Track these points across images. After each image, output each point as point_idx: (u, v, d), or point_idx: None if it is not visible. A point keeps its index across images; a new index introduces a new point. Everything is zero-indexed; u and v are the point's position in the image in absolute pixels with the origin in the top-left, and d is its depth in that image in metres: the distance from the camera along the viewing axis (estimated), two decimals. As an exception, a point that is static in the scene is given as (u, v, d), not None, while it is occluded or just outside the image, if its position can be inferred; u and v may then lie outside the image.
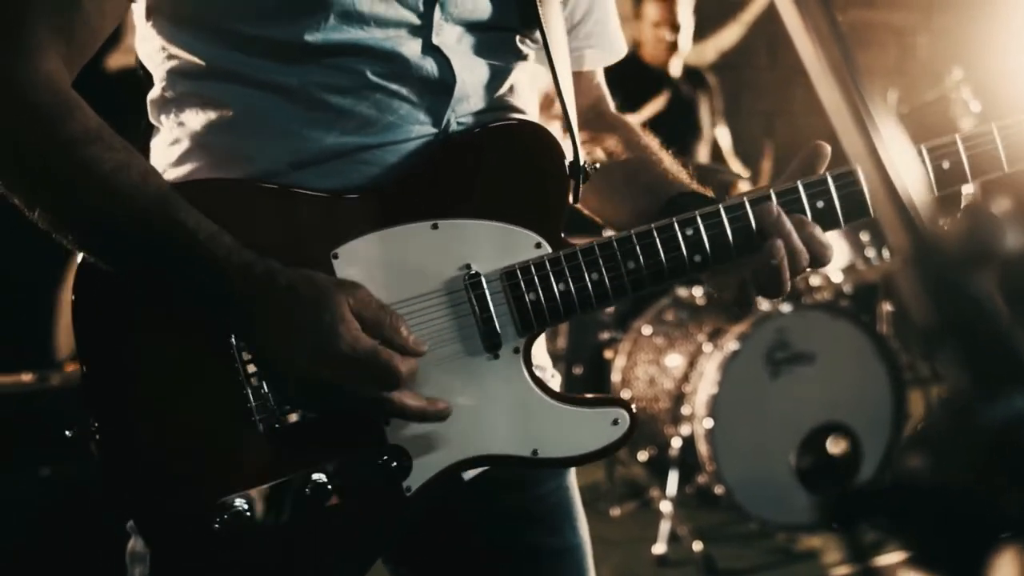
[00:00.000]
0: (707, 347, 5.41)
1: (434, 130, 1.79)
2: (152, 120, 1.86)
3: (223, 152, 1.76)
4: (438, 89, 1.77)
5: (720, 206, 1.75)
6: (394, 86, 1.73)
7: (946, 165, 1.76)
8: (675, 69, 6.76)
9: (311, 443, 1.69)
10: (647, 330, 5.84)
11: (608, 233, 1.81)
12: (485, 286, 1.72)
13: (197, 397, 1.69)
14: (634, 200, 1.92)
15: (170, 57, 1.76)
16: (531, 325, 1.75)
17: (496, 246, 1.74)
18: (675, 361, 5.60)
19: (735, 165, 7.00)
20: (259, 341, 1.63)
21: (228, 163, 1.75)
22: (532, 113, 1.93)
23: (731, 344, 5.24)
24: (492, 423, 1.75)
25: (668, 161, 1.99)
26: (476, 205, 1.75)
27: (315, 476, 1.68)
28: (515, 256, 1.74)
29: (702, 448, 5.23)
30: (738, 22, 8.38)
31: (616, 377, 5.84)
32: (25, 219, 1.62)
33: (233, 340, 1.67)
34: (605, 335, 6.12)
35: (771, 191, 1.75)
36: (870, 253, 5.76)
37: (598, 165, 1.84)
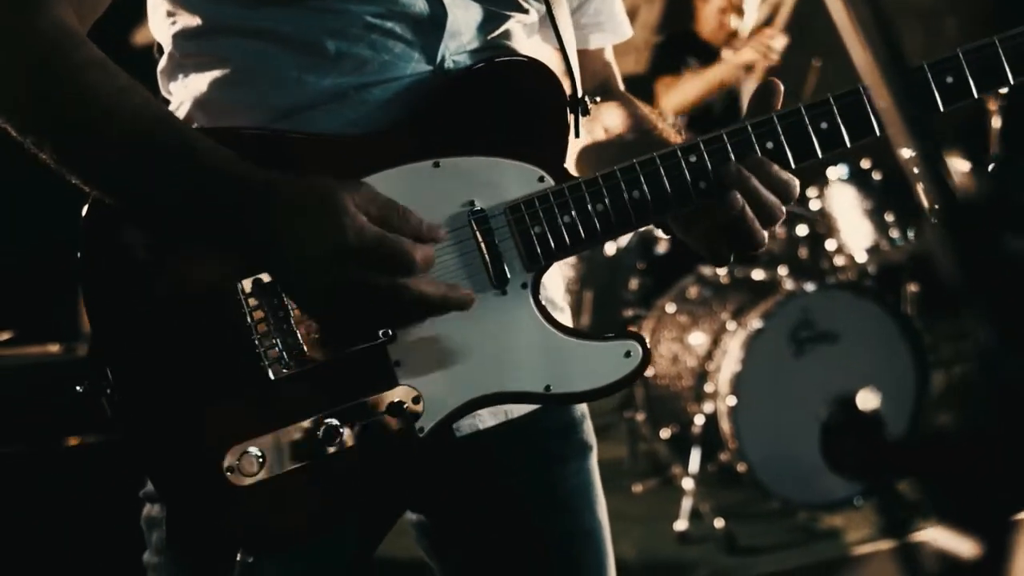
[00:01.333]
0: (731, 325, 5.39)
1: (429, 67, 1.76)
2: (163, 93, 1.89)
3: (223, 104, 1.78)
4: (430, 26, 1.78)
5: (724, 132, 1.75)
6: (388, 24, 1.75)
7: (950, 79, 1.75)
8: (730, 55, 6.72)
9: (321, 388, 1.68)
10: (671, 308, 5.83)
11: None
12: (490, 221, 1.71)
13: (205, 345, 1.69)
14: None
15: (174, 21, 1.80)
16: (538, 259, 1.75)
17: (499, 182, 1.74)
18: (699, 339, 5.59)
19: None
20: (265, 250, 1.61)
21: (228, 115, 1.77)
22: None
23: (755, 322, 5.22)
24: (503, 359, 1.73)
25: (671, 139, 1.96)
26: (477, 141, 1.75)
27: (327, 421, 1.66)
28: (519, 191, 1.73)
29: (725, 426, 5.22)
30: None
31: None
32: (51, 192, 1.63)
33: (240, 286, 1.67)
34: (629, 312, 6.12)
35: (769, 117, 1.76)
36: (895, 234, 5.73)
37: (598, 99, 1.84)
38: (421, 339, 1.72)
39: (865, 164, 5.84)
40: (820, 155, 1.77)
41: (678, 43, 6.73)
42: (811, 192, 5.94)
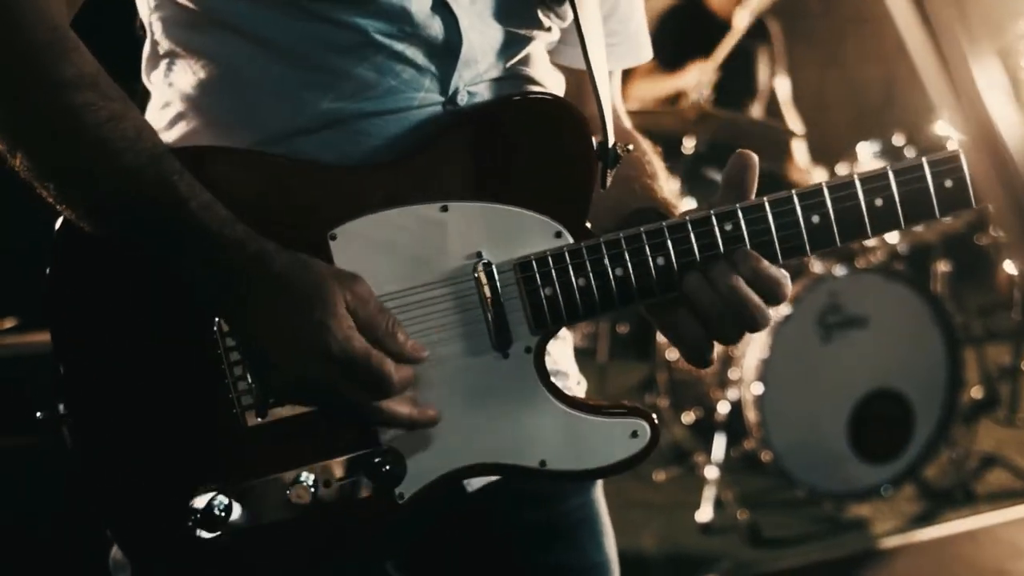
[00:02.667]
0: (756, 309, 5.20)
1: (440, 98, 1.62)
2: (144, 82, 1.72)
3: (214, 115, 1.61)
4: (443, 51, 1.60)
5: (742, 205, 1.58)
6: (397, 46, 1.57)
7: (948, 184, 1.59)
8: (740, 20, 6.49)
9: (298, 440, 1.57)
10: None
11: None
12: (497, 277, 1.57)
13: (176, 384, 1.55)
14: (596, 215, 1.69)
15: (158, 3, 1.62)
16: (545, 323, 1.58)
17: (511, 233, 1.57)
18: (723, 323, 5.39)
19: (792, 117, 6.76)
20: (245, 327, 1.47)
21: (220, 127, 1.61)
22: (550, 88, 1.76)
23: (782, 308, 5.05)
24: (496, 429, 1.60)
25: (654, 179, 1.79)
26: (490, 187, 1.58)
27: (301, 476, 1.56)
28: (531, 245, 1.58)
29: (750, 414, 5.07)
30: None
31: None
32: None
33: (216, 324, 1.53)
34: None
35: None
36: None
37: (631, 147, 1.66)
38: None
39: (897, 140, 5.63)
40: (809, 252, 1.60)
41: (684, 18, 6.45)
42: (840, 169, 5.73)
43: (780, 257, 1.59)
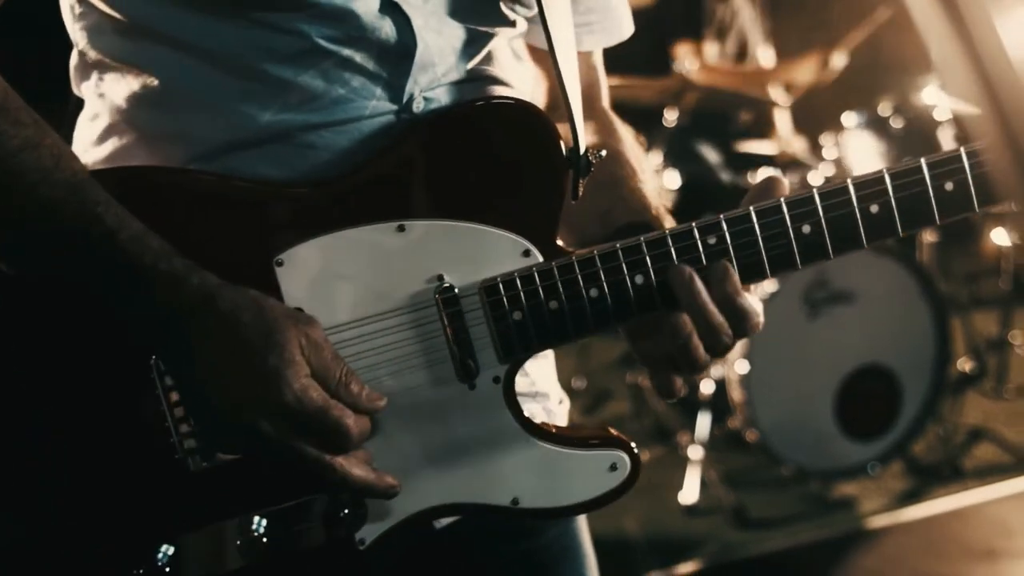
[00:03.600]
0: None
1: (394, 107, 1.48)
2: (75, 90, 1.58)
3: (147, 130, 1.47)
4: (396, 55, 1.45)
5: (722, 216, 1.46)
6: (344, 51, 1.42)
7: (948, 187, 1.49)
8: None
9: (248, 483, 1.44)
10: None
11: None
12: (460, 302, 1.43)
13: (111, 430, 1.41)
14: (581, 222, 1.59)
15: (82, 12, 1.48)
16: (515, 350, 1.45)
17: (474, 254, 1.44)
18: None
19: (775, 86, 6.59)
20: (186, 371, 1.34)
21: (153, 143, 1.47)
22: (518, 89, 1.62)
23: (768, 284, 4.93)
24: (464, 466, 1.49)
25: (643, 179, 1.66)
26: (451, 202, 1.44)
27: (252, 522, 1.44)
28: (498, 266, 1.45)
29: (735, 392, 4.96)
30: None
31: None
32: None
33: (153, 363, 1.39)
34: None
35: (757, 206, 1.47)
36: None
37: (603, 153, 1.52)
38: (369, 439, 1.42)
39: (883, 110, 5.50)
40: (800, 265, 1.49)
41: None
42: (825, 140, 5.60)
43: (769, 271, 1.47)
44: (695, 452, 5.09)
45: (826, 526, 4.84)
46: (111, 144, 1.49)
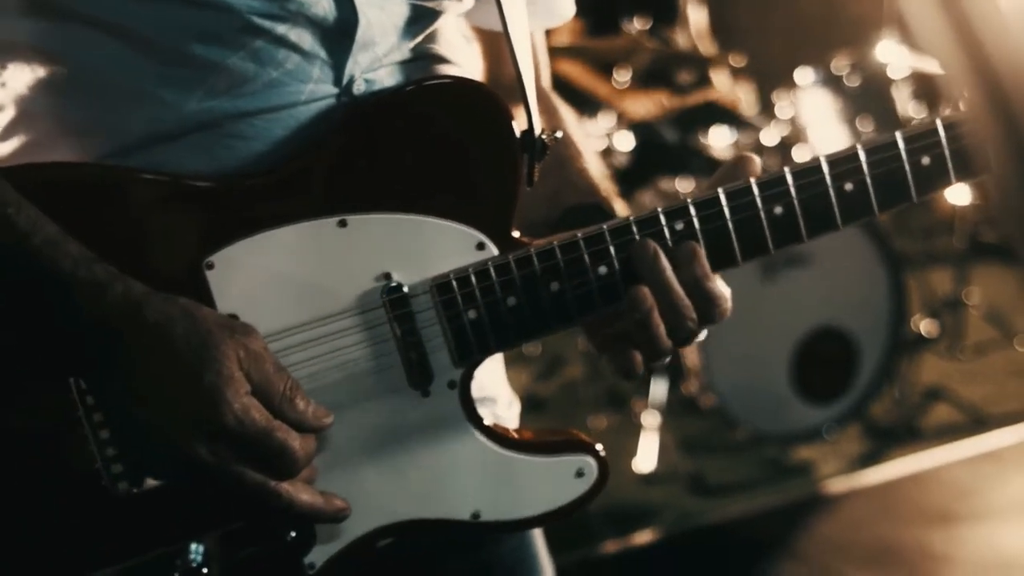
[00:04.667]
0: (695, 249, 5.01)
1: (334, 90, 1.36)
2: None
3: (58, 122, 1.33)
4: (335, 33, 1.34)
5: (689, 200, 1.37)
6: (278, 29, 1.30)
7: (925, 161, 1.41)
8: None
9: (183, 507, 1.32)
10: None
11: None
12: (410, 302, 1.32)
13: (31, 452, 1.29)
14: (527, 206, 1.48)
15: None
16: (471, 352, 1.35)
17: (424, 249, 1.33)
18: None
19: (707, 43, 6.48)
20: (110, 390, 1.21)
21: (65, 137, 1.33)
22: (467, 69, 1.50)
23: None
24: (420, 480, 1.38)
25: (589, 159, 1.58)
26: (397, 193, 1.33)
27: (191, 550, 1.32)
28: (450, 261, 1.34)
29: (690, 357, 4.89)
30: None
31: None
32: None
33: (73, 382, 1.26)
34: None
35: (723, 188, 1.39)
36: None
37: (559, 134, 1.41)
38: (316, 454, 1.31)
39: (837, 68, 5.42)
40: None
41: None
42: (779, 97, 5.52)
43: (740, 258, 1.38)
44: (650, 419, 5.01)
45: (783, 491, 4.80)
46: (16, 140, 1.35)
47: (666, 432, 5.02)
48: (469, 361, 1.36)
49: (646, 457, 4.94)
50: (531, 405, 5.71)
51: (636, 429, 5.07)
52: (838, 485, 4.78)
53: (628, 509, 4.75)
